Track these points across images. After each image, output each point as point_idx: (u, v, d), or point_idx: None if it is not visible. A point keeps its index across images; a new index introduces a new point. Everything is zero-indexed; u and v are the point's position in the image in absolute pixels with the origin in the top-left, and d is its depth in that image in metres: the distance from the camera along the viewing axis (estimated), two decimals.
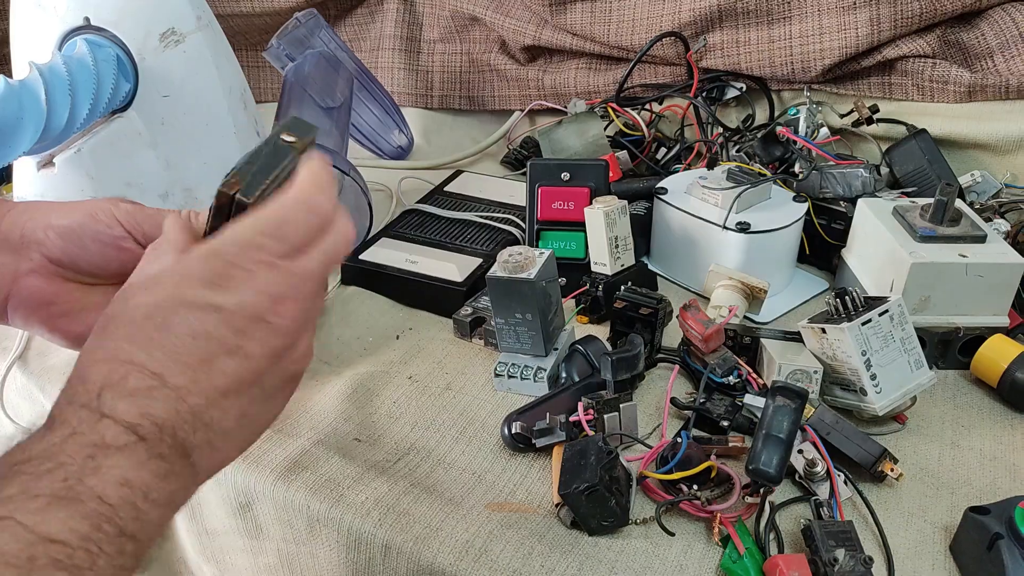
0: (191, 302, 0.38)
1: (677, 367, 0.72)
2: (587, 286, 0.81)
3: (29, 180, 0.76)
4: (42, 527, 0.31)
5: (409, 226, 0.94)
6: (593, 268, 0.82)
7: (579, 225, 0.82)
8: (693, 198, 0.85)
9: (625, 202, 0.79)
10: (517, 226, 0.92)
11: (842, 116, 1.00)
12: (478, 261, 0.86)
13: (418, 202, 0.98)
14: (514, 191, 1.00)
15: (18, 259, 0.50)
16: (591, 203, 0.81)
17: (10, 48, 0.81)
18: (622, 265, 0.80)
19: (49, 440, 0.34)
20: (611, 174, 0.98)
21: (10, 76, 0.73)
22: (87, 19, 0.78)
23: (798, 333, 0.71)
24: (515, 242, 0.91)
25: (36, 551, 0.30)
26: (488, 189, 1.02)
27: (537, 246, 0.85)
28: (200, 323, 0.37)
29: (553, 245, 0.85)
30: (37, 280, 0.50)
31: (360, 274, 0.87)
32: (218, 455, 0.39)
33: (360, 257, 0.88)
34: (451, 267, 0.86)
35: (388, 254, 0.89)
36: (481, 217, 0.94)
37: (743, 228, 0.80)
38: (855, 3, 0.94)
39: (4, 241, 0.50)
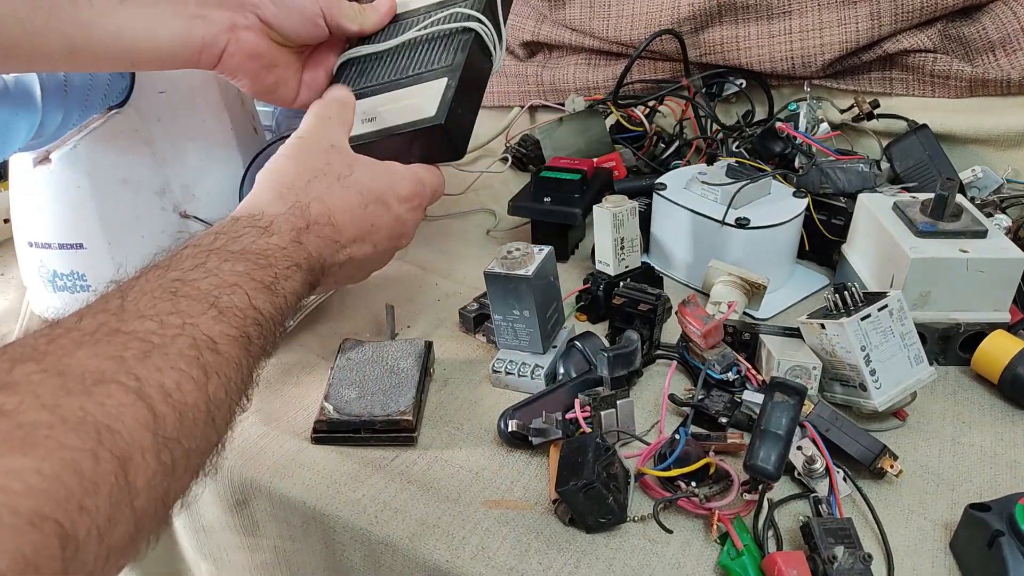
0: (390, 205, 0.59)
1: (675, 363, 0.71)
2: (588, 284, 0.81)
3: (25, 176, 0.76)
4: (255, 301, 0.45)
5: (353, 79, 0.69)
6: (597, 266, 0.81)
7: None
8: (692, 194, 0.85)
9: (635, 204, 0.78)
10: (476, 19, 0.65)
11: (842, 111, 0.99)
12: (444, 81, 0.63)
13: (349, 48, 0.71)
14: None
15: (236, 15, 0.63)
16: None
17: None
18: (626, 267, 0.80)
19: (267, 242, 0.50)
20: (616, 172, 0.98)
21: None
22: None
23: (798, 329, 0.71)
24: (480, 42, 0.66)
25: (249, 313, 0.44)
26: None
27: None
28: (382, 218, 0.59)
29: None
30: (251, 35, 0.64)
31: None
32: (333, 280, 0.58)
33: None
34: (414, 104, 0.63)
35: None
36: (424, 30, 0.67)
37: (743, 224, 0.80)
38: None
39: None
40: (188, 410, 0.37)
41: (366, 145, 0.62)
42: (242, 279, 0.46)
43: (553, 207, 0.88)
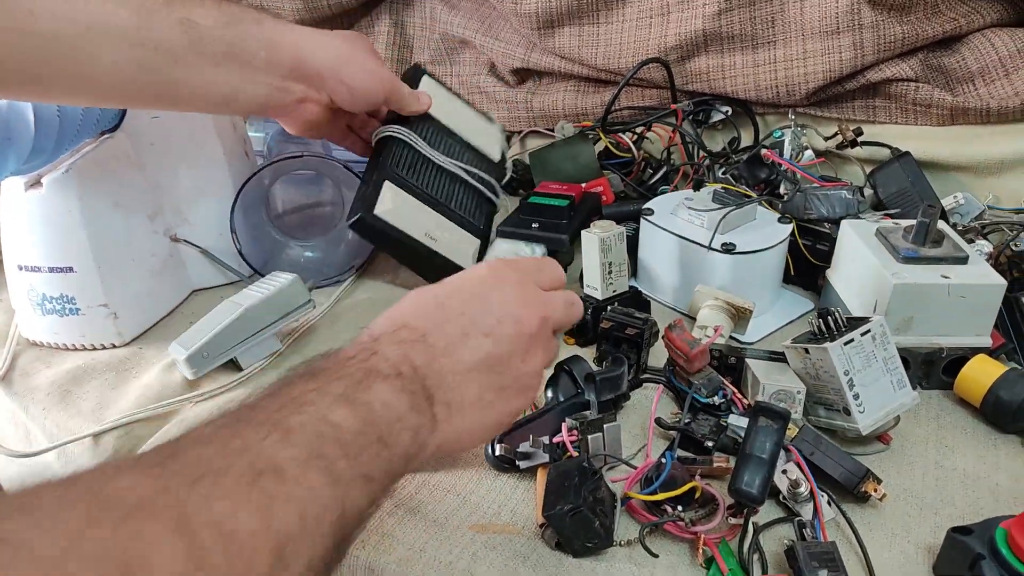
0: (467, 289, 0.52)
1: (662, 387, 0.72)
2: None
3: (16, 200, 0.77)
4: (330, 415, 0.40)
5: (403, 164, 0.88)
6: (585, 291, 0.82)
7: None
8: (679, 219, 0.86)
9: (623, 229, 0.79)
10: (494, 191, 0.99)
11: (826, 139, 1.01)
12: (476, 243, 0.92)
13: (392, 121, 0.91)
14: (483, 128, 1.05)
15: (310, 90, 0.76)
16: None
17: None
18: (614, 291, 0.80)
19: (336, 359, 0.46)
20: (604, 198, 0.99)
21: None
22: None
23: (783, 353, 0.71)
24: (485, 208, 0.98)
25: (324, 429, 0.40)
26: (455, 117, 0.99)
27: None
28: (469, 304, 0.50)
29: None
30: (315, 108, 0.78)
31: (374, 233, 0.83)
32: (455, 423, 0.48)
33: (378, 213, 0.82)
34: (465, 249, 0.90)
35: (405, 215, 0.84)
36: (462, 169, 0.95)
37: (729, 249, 0.81)
38: (838, 28, 0.96)
39: (299, 73, 0.74)
40: (243, 543, 0.32)
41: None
42: (312, 395, 0.41)
43: (540, 232, 0.89)
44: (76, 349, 0.82)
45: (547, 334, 0.53)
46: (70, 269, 0.78)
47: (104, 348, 0.82)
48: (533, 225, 0.89)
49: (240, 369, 0.77)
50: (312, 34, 0.75)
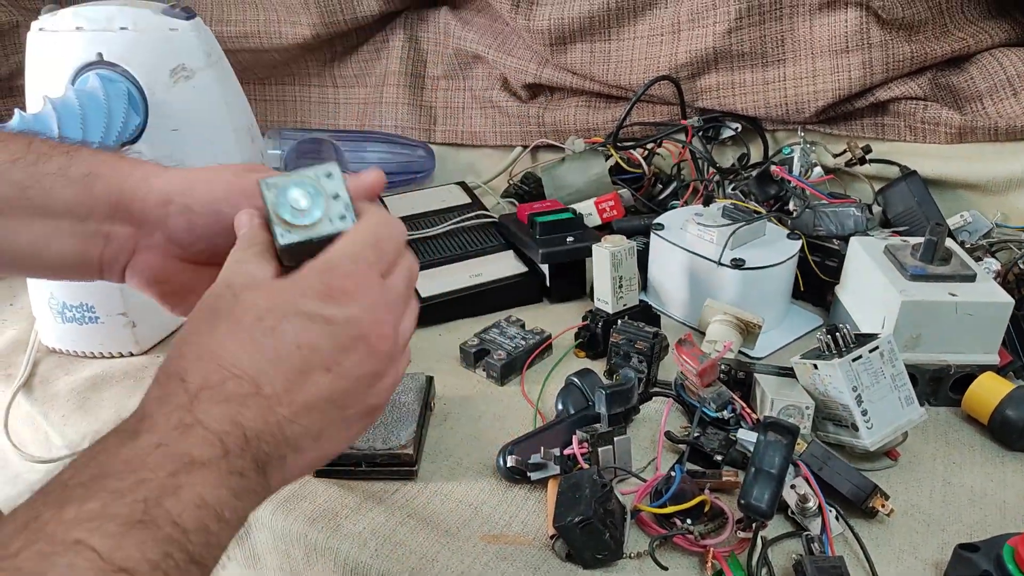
0: (305, 312, 0.39)
1: (671, 401, 0.73)
2: (587, 321, 0.83)
3: None
4: (116, 554, 0.31)
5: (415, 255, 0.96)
6: (596, 304, 0.83)
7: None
8: (689, 234, 0.87)
9: (633, 244, 0.81)
10: (488, 216, 1.04)
11: (835, 156, 1.02)
12: (510, 252, 0.97)
13: None
14: (444, 196, 1.11)
15: (138, 233, 0.51)
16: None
17: (24, 81, 0.83)
18: (624, 304, 0.82)
19: (136, 447, 0.34)
20: (615, 212, 1.00)
21: (24, 109, 0.75)
22: (100, 55, 0.81)
23: (792, 368, 0.72)
24: (493, 229, 1.02)
25: None
26: (419, 204, 1.09)
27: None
28: (308, 333, 0.39)
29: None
30: (153, 258, 0.51)
31: (435, 309, 0.89)
32: (288, 472, 0.39)
33: (425, 296, 0.89)
34: (507, 264, 0.94)
35: (440, 282, 0.91)
36: (456, 224, 1.02)
37: (738, 264, 0.82)
38: (847, 47, 0.97)
39: (125, 211, 0.50)
40: None
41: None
42: (88, 529, 0.31)
43: (581, 243, 0.91)
44: (95, 357, 0.83)
45: (400, 343, 0.44)
46: None
47: (122, 356, 0.83)
48: (569, 239, 0.91)
49: None
50: (156, 169, 0.51)
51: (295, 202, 0.43)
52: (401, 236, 0.45)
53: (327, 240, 0.43)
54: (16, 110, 0.73)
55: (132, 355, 0.83)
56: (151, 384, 0.38)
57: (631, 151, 1.08)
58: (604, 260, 0.80)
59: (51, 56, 0.82)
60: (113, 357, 0.83)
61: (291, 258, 0.43)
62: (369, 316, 0.41)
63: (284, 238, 0.42)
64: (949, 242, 0.79)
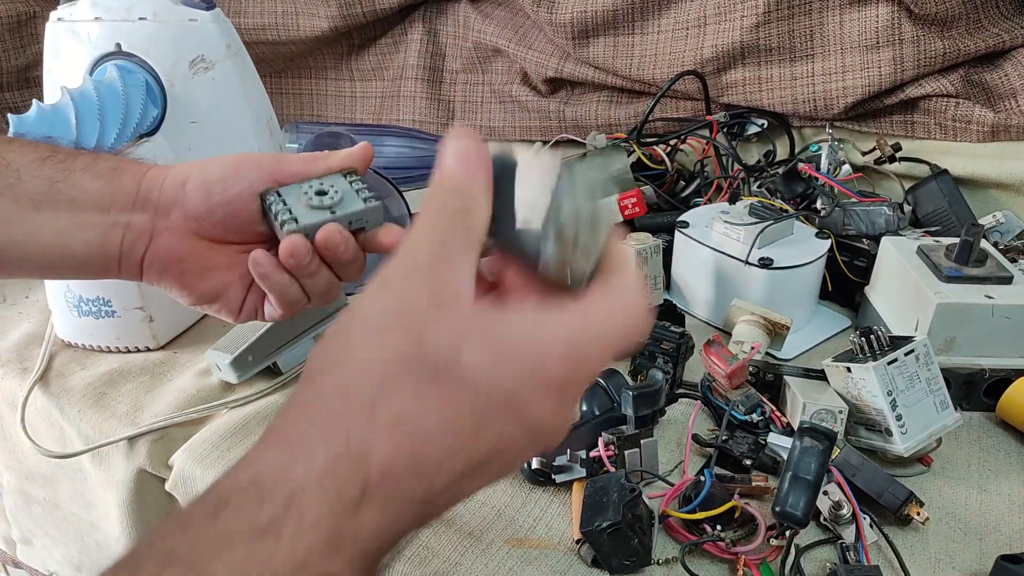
0: (525, 416, 0.29)
1: (699, 403, 0.71)
2: None
3: None
4: None
5: None
6: None
7: None
8: (715, 232, 0.85)
9: (659, 242, 0.79)
10: None
11: (864, 153, 1.00)
12: None
13: None
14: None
15: (155, 218, 0.50)
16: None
17: (42, 71, 0.82)
18: (650, 304, 0.80)
19: (265, 558, 0.26)
20: (638, 209, 0.98)
21: (42, 100, 0.74)
22: (118, 45, 0.79)
23: (821, 371, 0.70)
24: None
25: None
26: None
27: None
28: (510, 439, 0.30)
29: None
30: (171, 238, 0.51)
31: None
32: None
33: None
34: None
35: None
36: None
37: (766, 264, 0.80)
38: (878, 42, 0.95)
39: (144, 200, 0.50)
40: None
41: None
42: None
43: None
44: (111, 351, 0.82)
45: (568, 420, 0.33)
46: None
47: (139, 351, 0.82)
48: None
49: (278, 374, 0.77)
50: (176, 164, 0.53)
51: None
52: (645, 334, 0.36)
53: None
54: (34, 101, 0.72)
55: (149, 350, 0.82)
56: (308, 431, 0.28)
57: (654, 147, 1.06)
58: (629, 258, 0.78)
59: (69, 47, 0.81)
60: (130, 352, 0.82)
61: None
62: (560, 410, 0.31)
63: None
64: (984, 243, 0.77)
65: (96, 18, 0.80)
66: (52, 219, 0.49)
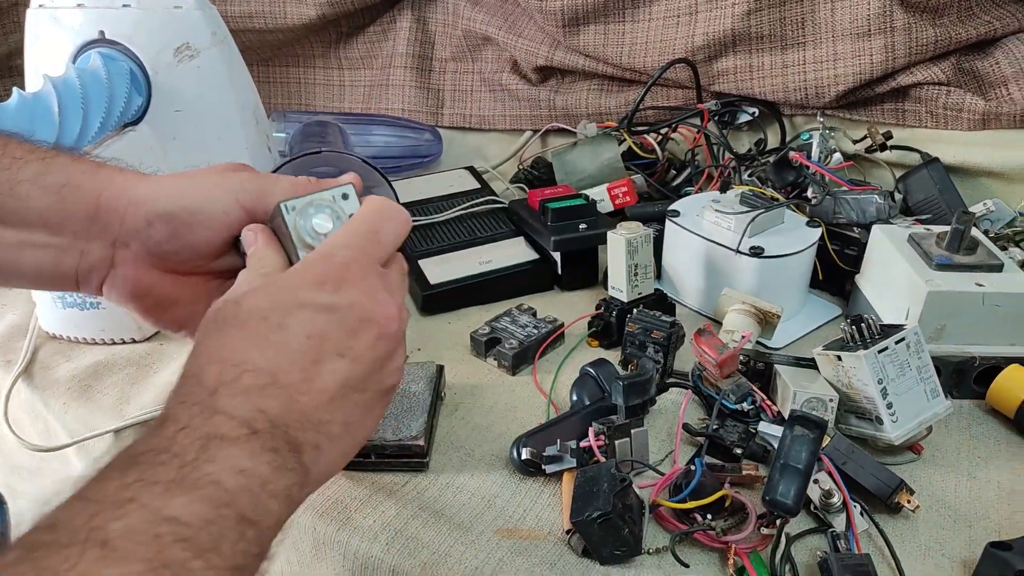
0: (307, 302, 0.40)
1: (690, 392, 0.71)
2: (601, 310, 0.81)
3: None
4: (165, 509, 0.31)
5: (423, 242, 0.95)
6: (610, 292, 0.81)
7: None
8: (706, 221, 0.85)
9: (650, 231, 0.78)
10: (498, 202, 1.02)
11: (855, 142, 0.99)
12: (520, 239, 0.95)
13: None
14: (452, 181, 1.09)
15: (115, 248, 0.48)
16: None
17: (24, 60, 0.81)
18: (639, 293, 0.79)
19: (161, 435, 0.34)
20: (628, 199, 0.98)
21: (24, 88, 0.73)
22: (102, 33, 0.78)
23: (812, 359, 0.70)
24: (503, 215, 1.00)
25: (161, 529, 0.31)
26: (427, 189, 1.06)
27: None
28: (314, 323, 0.40)
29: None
30: (132, 271, 0.49)
31: (444, 296, 0.87)
32: (325, 460, 0.40)
33: (434, 283, 0.87)
34: (517, 251, 0.93)
35: (449, 268, 0.90)
36: (465, 210, 1.00)
37: (756, 252, 0.80)
38: (869, 30, 0.94)
39: (102, 227, 0.47)
40: None
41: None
42: (134, 488, 0.32)
43: (592, 231, 0.88)
44: (96, 343, 0.81)
45: (402, 320, 0.43)
46: None
47: (124, 343, 0.81)
48: (581, 227, 0.89)
49: None
50: (135, 177, 0.49)
51: (319, 227, 0.45)
52: (403, 226, 0.46)
53: None
54: (15, 90, 0.71)
55: (135, 341, 0.81)
56: (169, 395, 0.38)
57: (645, 136, 1.06)
58: (619, 247, 0.77)
59: (51, 34, 0.79)
60: (115, 344, 0.81)
61: None
62: (371, 299, 0.41)
63: None
64: (975, 231, 0.76)
65: (79, 5, 0.78)
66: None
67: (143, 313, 0.51)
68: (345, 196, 0.47)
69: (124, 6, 0.79)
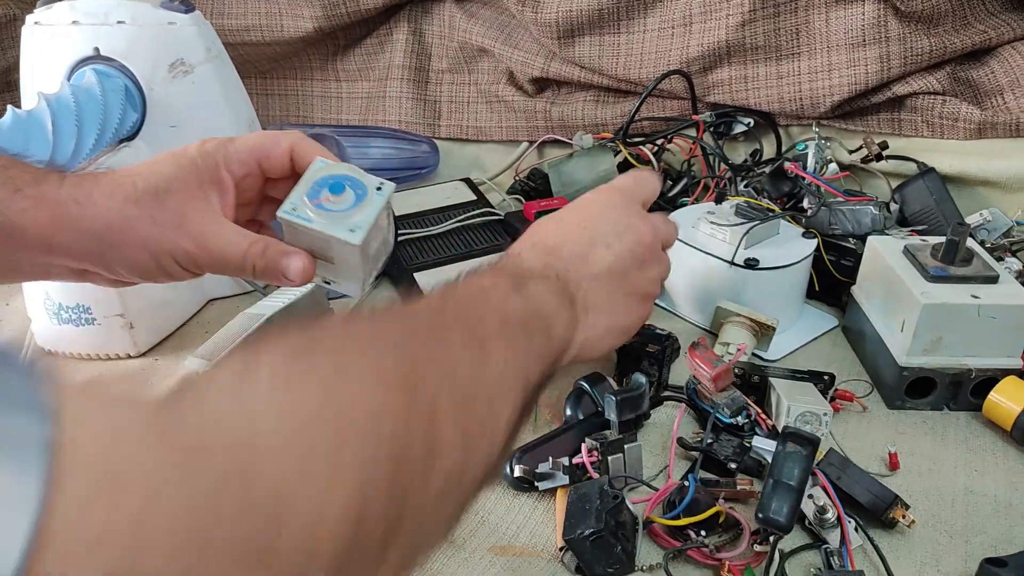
0: (584, 211, 0.59)
1: (684, 406, 0.71)
2: None
3: None
4: (507, 304, 0.47)
5: (419, 254, 0.94)
6: None
7: None
8: (701, 233, 0.85)
9: None
10: (494, 214, 1.02)
11: (851, 152, 0.99)
12: None
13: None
14: (448, 192, 1.09)
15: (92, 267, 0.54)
16: None
17: (20, 76, 0.81)
18: None
19: (491, 267, 0.51)
20: None
21: (18, 105, 0.73)
22: (97, 49, 0.79)
23: (807, 372, 0.70)
24: (499, 227, 1.00)
25: (505, 313, 0.46)
26: (423, 201, 1.06)
27: None
28: (588, 223, 0.57)
29: None
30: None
31: None
32: (592, 325, 0.54)
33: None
34: None
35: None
36: (462, 222, 1.00)
37: (752, 264, 0.80)
38: (864, 40, 0.94)
39: (66, 255, 0.52)
40: (471, 391, 0.39)
41: None
42: (488, 288, 0.47)
43: None
44: (92, 359, 0.81)
45: (658, 246, 0.60)
46: None
47: (119, 359, 0.81)
48: None
49: None
50: (85, 207, 0.51)
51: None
52: (655, 190, 0.64)
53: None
54: (9, 107, 0.71)
55: (130, 357, 0.81)
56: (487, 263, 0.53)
57: (640, 147, 1.06)
58: None
59: (47, 51, 0.80)
60: (110, 359, 0.81)
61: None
62: (630, 217, 0.59)
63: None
64: (970, 242, 0.76)
65: (74, 22, 0.79)
66: None
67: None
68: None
69: (119, 22, 0.79)
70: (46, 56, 0.79)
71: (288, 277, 0.52)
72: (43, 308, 0.79)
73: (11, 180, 0.49)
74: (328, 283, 0.56)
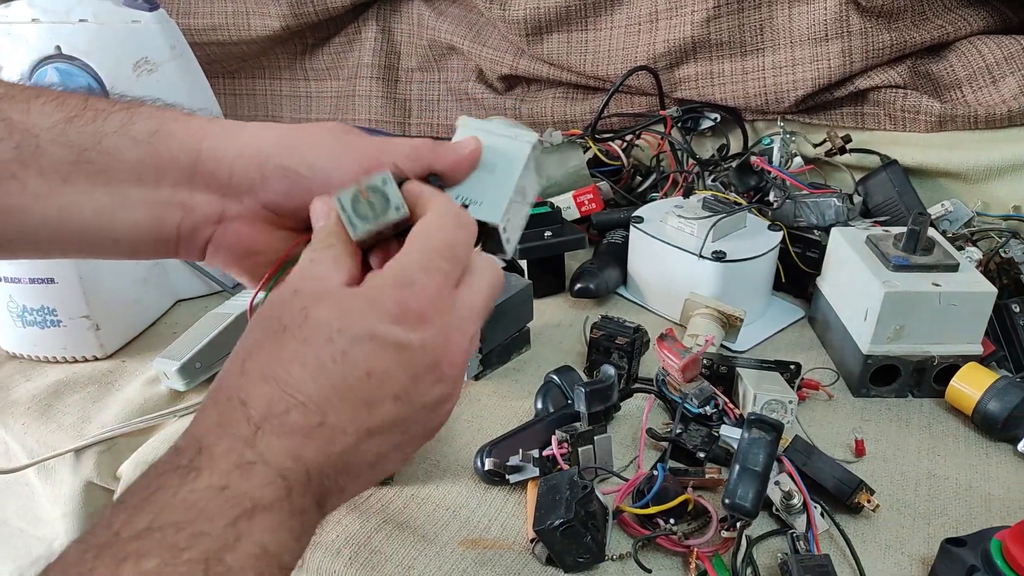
0: (378, 334, 0.36)
1: (653, 397, 0.71)
2: None
3: None
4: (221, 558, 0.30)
5: None
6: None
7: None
8: (669, 227, 0.86)
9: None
10: None
11: (815, 146, 1.01)
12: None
13: None
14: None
15: (225, 201, 0.44)
16: None
17: None
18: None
19: (195, 490, 0.32)
20: (594, 205, 0.98)
21: None
22: (58, 48, 0.78)
23: (774, 362, 0.71)
24: None
25: None
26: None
27: None
28: (379, 360, 0.36)
29: None
30: (244, 227, 0.44)
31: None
32: (341, 498, 0.37)
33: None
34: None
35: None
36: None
37: (719, 257, 0.81)
38: (827, 35, 0.96)
39: (207, 177, 0.43)
40: None
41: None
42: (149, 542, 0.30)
43: (558, 239, 0.89)
44: (57, 362, 0.80)
45: (465, 362, 0.40)
46: (51, 280, 0.76)
47: (86, 360, 0.80)
48: (547, 234, 0.89)
49: None
50: (236, 125, 0.45)
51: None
52: (472, 236, 0.41)
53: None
54: None
55: (96, 359, 0.81)
56: (207, 401, 0.35)
57: (610, 143, 1.06)
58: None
59: (6, 50, 0.78)
60: (76, 362, 0.80)
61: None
62: (443, 341, 0.37)
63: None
64: (931, 231, 0.78)
65: (33, 20, 0.78)
66: (85, 194, 0.42)
67: (252, 275, 0.46)
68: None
69: (81, 21, 0.78)
70: (6, 55, 0.78)
71: (463, 154, 0.44)
72: (6, 310, 0.78)
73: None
74: (467, 205, 0.45)
